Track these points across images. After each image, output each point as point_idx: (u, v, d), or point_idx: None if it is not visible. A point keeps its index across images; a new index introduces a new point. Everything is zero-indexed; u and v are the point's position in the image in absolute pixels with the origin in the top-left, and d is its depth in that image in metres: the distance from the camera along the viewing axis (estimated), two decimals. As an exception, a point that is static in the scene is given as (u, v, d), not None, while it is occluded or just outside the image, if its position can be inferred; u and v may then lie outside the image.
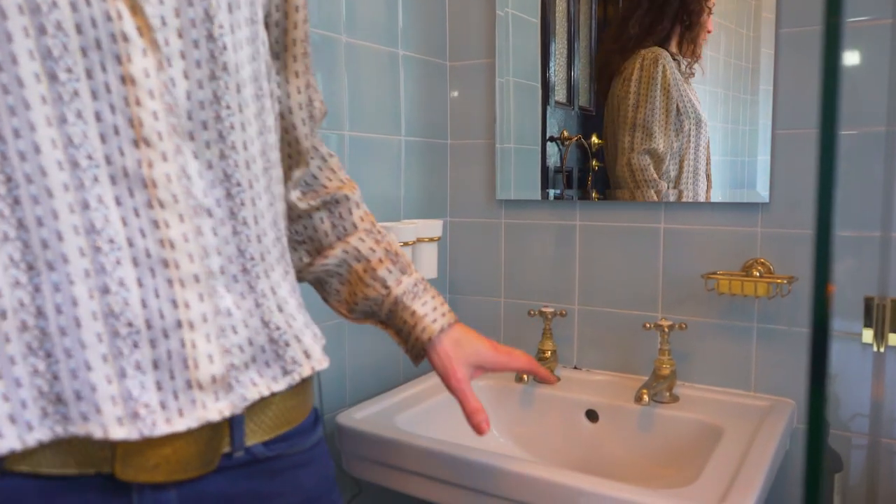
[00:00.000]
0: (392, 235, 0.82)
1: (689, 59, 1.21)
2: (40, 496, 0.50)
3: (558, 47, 1.34)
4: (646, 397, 1.10)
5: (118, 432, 0.50)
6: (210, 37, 0.55)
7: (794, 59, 1.12)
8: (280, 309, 0.60)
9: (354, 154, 1.22)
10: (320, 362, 0.63)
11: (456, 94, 1.46)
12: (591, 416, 1.21)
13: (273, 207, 0.62)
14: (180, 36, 0.54)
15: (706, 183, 1.21)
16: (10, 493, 0.48)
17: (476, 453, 0.95)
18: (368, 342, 1.28)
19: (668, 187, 1.23)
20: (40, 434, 0.48)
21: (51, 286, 0.48)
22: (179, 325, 0.52)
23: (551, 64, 1.35)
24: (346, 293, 0.80)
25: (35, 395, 0.49)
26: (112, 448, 0.51)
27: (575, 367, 1.36)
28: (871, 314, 1.07)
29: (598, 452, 1.17)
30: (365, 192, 1.26)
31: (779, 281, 1.09)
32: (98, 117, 0.49)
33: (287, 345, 0.60)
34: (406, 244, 1.20)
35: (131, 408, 0.50)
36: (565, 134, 1.35)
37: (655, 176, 1.25)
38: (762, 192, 1.15)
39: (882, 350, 1.07)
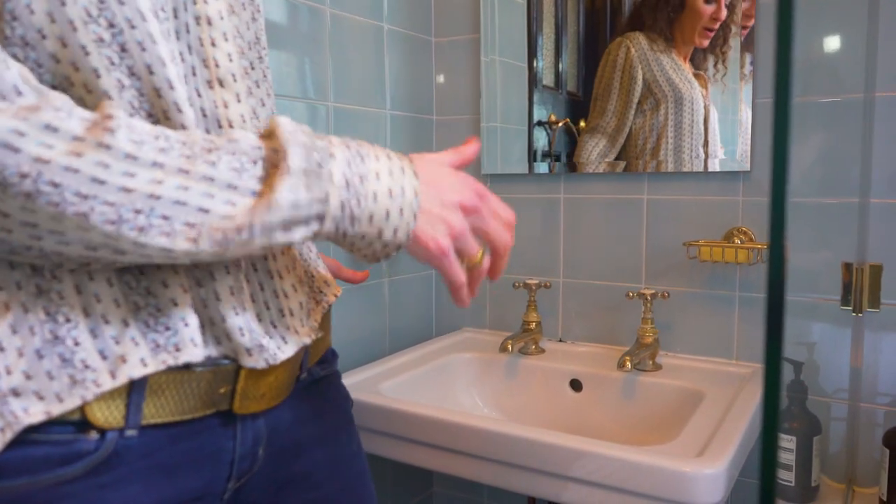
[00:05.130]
0: None
1: (684, 46, 1.21)
2: (170, 443, 0.52)
3: (546, 32, 1.34)
4: (628, 364, 1.11)
5: (248, 361, 0.54)
6: None
7: (773, 27, 1.13)
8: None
9: (339, 126, 1.23)
10: (336, 290, 0.70)
11: (442, 79, 1.46)
12: (575, 385, 1.22)
13: None
14: None
15: (698, 157, 1.21)
16: (149, 445, 0.51)
17: (465, 416, 0.96)
18: (354, 315, 1.28)
19: (644, 162, 1.24)
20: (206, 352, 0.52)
21: None
22: (265, 257, 0.57)
23: (539, 48, 1.35)
24: None
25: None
26: (233, 384, 0.55)
27: (560, 340, 1.37)
28: (850, 279, 1.08)
29: (583, 420, 1.18)
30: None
31: (759, 247, 1.10)
32: (182, 58, 0.51)
33: (312, 276, 0.66)
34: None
35: (256, 340, 0.54)
36: (553, 118, 1.36)
37: (594, 156, 1.31)
38: (743, 160, 1.16)
39: (860, 315, 1.08)
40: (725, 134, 1.18)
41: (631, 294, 1.20)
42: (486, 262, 0.57)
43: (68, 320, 0.47)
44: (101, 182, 0.41)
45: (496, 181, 1.42)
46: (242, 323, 0.53)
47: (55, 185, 0.40)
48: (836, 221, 1.10)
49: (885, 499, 1.03)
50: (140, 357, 0.48)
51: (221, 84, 0.53)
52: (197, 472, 0.54)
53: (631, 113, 1.27)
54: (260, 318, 0.56)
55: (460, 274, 0.55)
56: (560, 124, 1.35)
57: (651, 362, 1.18)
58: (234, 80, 0.54)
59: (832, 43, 1.09)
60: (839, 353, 1.12)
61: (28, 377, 0.46)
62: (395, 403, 1.01)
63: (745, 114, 1.16)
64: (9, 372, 0.45)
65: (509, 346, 1.24)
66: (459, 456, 0.95)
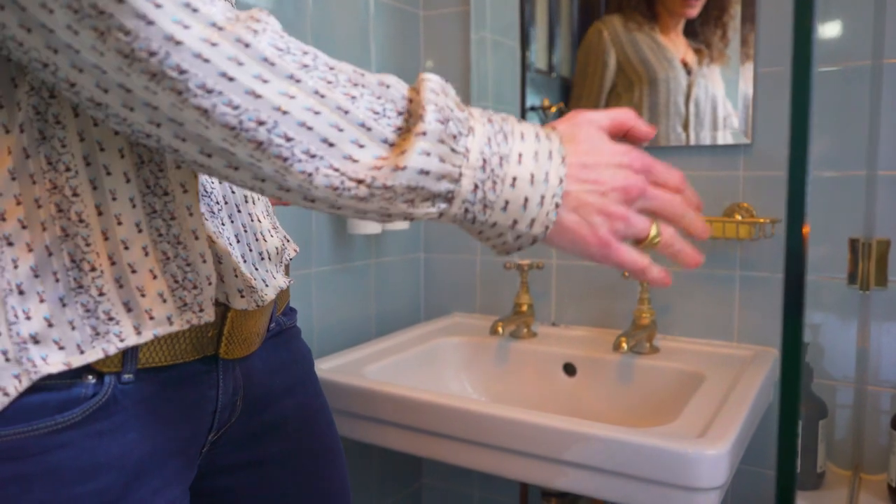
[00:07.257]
0: None
1: (671, 19, 1.16)
2: (162, 389, 0.50)
3: (538, 14, 1.29)
4: (624, 345, 1.06)
5: (240, 303, 0.53)
6: None
7: (776, -7, 1.08)
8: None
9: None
10: (295, 246, 0.68)
11: (430, 55, 1.41)
12: (569, 369, 1.17)
13: None
14: None
15: (677, 138, 1.16)
16: (144, 391, 0.49)
17: (454, 399, 0.91)
18: (336, 298, 1.23)
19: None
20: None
21: None
22: (245, 199, 0.57)
23: (531, 29, 1.30)
24: None
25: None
26: (220, 328, 0.53)
27: (553, 324, 1.32)
28: (857, 256, 1.03)
29: (577, 405, 1.13)
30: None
31: (761, 221, 1.05)
32: None
33: (278, 229, 0.65)
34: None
35: (247, 281, 0.53)
36: (546, 103, 1.31)
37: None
38: (743, 133, 1.11)
39: (867, 293, 1.03)
40: (725, 107, 1.13)
41: (627, 274, 1.15)
42: (667, 232, 0.49)
43: (93, 269, 0.44)
44: (230, 79, 0.37)
45: (487, 160, 1.37)
46: (234, 264, 0.52)
47: (181, 70, 0.36)
48: (842, 196, 1.05)
49: (893, 485, 0.98)
50: (167, 315, 0.47)
51: None
52: (185, 421, 0.52)
53: (603, 97, 1.23)
54: (245, 260, 0.55)
55: (636, 258, 0.48)
56: (554, 109, 1.30)
57: (648, 345, 1.13)
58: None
59: (837, 7, 1.04)
60: (845, 333, 1.07)
61: (50, 325, 0.43)
62: (380, 386, 0.96)
63: (747, 85, 1.11)
64: (28, 317, 0.42)
65: (500, 329, 1.19)
66: (449, 441, 0.90)
